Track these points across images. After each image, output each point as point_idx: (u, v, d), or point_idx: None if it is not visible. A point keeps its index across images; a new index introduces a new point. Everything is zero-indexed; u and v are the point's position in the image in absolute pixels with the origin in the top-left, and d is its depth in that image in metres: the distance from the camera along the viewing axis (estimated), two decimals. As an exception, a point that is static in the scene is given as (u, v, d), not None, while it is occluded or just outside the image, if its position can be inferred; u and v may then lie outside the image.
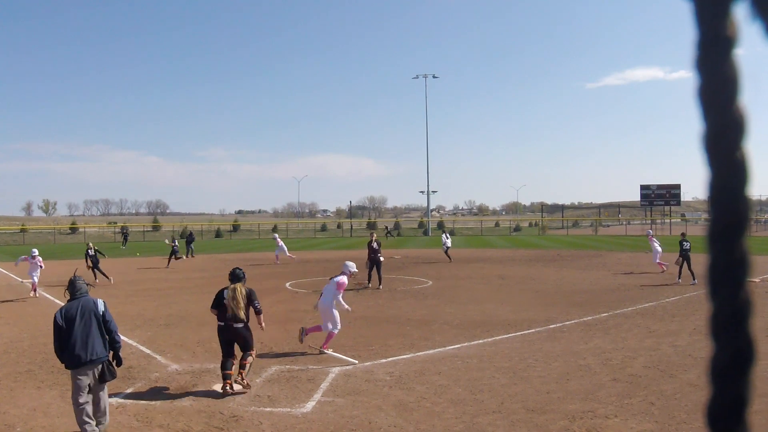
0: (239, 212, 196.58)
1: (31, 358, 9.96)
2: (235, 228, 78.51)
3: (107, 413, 6.56)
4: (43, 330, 11.70)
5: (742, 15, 0.47)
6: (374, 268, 18.91)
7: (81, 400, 6.23)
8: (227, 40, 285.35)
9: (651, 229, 28.46)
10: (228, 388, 7.76)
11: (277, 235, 32.32)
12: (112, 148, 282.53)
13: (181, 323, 13.00)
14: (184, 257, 31.50)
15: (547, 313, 13.49)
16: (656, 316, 13.00)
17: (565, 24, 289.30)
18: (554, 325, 12.05)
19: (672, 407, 6.94)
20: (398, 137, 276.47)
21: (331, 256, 33.40)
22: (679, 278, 18.81)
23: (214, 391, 7.95)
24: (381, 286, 18.55)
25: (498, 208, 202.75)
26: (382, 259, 19.20)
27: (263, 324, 8.43)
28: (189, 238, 36.23)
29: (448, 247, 28.81)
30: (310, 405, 7.32)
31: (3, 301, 16.70)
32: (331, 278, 10.48)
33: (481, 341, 10.72)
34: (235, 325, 7.97)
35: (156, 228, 75.11)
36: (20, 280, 21.92)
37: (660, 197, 61.69)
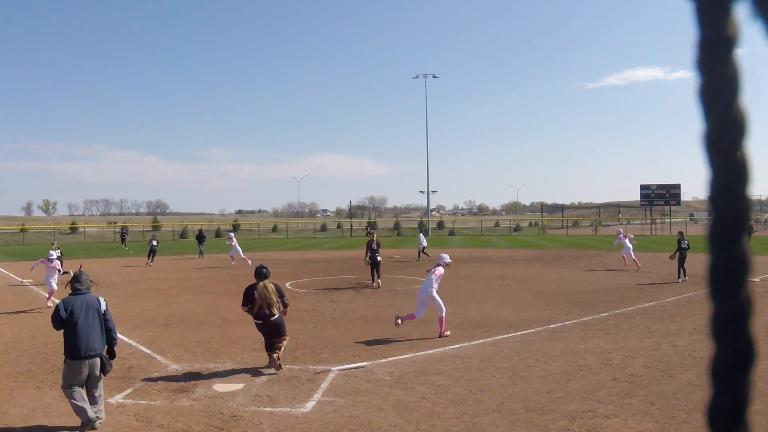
0: (239, 212, 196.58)
1: (31, 358, 9.96)
2: (235, 228, 78.46)
3: (103, 405, 6.87)
4: (44, 330, 11.71)
5: (742, 15, 0.47)
6: (373, 267, 19.37)
7: (73, 386, 6.59)
8: (227, 40, 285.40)
9: (622, 228, 29.10)
10: (276, 359, 8.68)
11: (232, 235, 30.72)
12: (112, 148, 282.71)
13: (181, 323, 13.00)
14: (150, 263, 29.08)
15: (547, 313, 13.49)
16: (656, 316, 13.00)
17: (565, 24, 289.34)
18: (554, 325, 12.05)
19: (672, 407, 6.94)
20: (398, 137, 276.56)
21: (331, 256, 33.40)
22: (679, 278, 18.81)
23: (214, 391, 7.95)
24: (377, 285, 18.96)
25: (498, 208, 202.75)
26: (380, 258, 19.51)
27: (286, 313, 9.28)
28: (200, 237, 34.70)
29: (424, 247, 29.26)
30: (310, 405, 7.32)
31: (16, 312, 16.49)
32: (429, 270, 11.62)
33: (481, 341, 10.72)
34: (272, 319, 8.88)
35: (156, 228, 75.03)
36: (20, 280, 21.90)
37: (660, 197, 61.67)
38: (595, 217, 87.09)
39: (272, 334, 8.92)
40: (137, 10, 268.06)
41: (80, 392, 6.61)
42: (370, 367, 9.08)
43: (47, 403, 7.52)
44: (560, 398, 7.39)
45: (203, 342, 10.96)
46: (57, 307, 6.84)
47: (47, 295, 15.76)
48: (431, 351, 10.05)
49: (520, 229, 78.58)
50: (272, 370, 8.86)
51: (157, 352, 10.21)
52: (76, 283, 7.04)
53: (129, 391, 8.03)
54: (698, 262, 18.67)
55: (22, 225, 76.10)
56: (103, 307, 6.92)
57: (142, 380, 8.52)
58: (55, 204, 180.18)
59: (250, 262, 26.53)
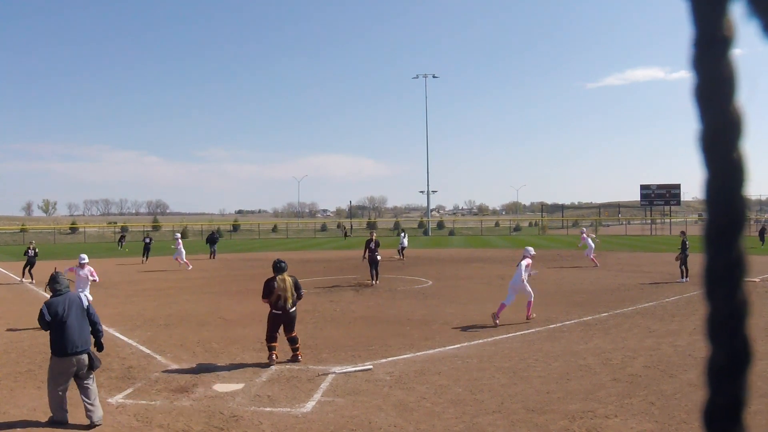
0: (239, 212, 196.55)
1: (31, 358, 9.96)
2: (235, 228, 78.52)
3: (98, 404, 6.89)
4: (44, 330, 11.70)
5: (738, 14, 0.46)
6: (372, 266, 19.83)
7: (59, 387, 6.74)
8: (227, 40, 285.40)
9: (585, 227, 31.44)
10: (275, 357, 9.14)
11: (179, 236, 28.90)
12: (112, 148, 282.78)
13: (181, 323, 13.00)
14: (144, 261, 29.81)
15: (547, 313, 13.48)
16: (656, 316, 13.00)
17: (565, 24, 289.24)
18: (554, 325, 12.05)
19: (672, 407, 6.94)
20: (398, 137, 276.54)
21: (331, 256, 33.40)
22: (682, 278, 18.81)
23: (214, 391, 7.95)
24: (377, 282, 19.52)
25: (498, 208, 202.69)
26: (379, 258, 19.97)
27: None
28: (212, 238, 33.44)
29: (403, 247, 29.64)
30: (310, 405, 7.32)
31: (16, 312, 16.62)
32: (518, 263, 13.05)
33: (481, 341, 10.72)
34: (291, 311, 9.35)
35: (156, 228, 75.04)
36: (20, 279, 21.90)
37: (660, 197, 61.67)
38: (595, 217, 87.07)
39: (287, 326, 9.33)
40: (137, 10, 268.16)
41: (64, 398, 6.77)
42: (369, 366, 9.07)
43: (47, 403, 7.51)
44: (560, 398, 7.38)
45: (203, 342, 10.96)
46: (41, 310, 6.96)
47: None
48: (431, 351, 10.05)
49: (520, 229, 78.60)
50: (272, 370, 8.86)
51: (157, 352, 10.21)
52: (54, 284, 7.15)
53: (129, 391, 8.03)
54: (698, 262, 18.67)
55: (22, 225, 76.13)
56: (86, 302, 7.15)
57: (142, 380, 8.52)
58: (55, 204, 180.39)
59: (191, 266, 26.12)
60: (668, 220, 67.35)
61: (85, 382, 6.87)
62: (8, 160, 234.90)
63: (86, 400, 6.77)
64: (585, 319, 12.75)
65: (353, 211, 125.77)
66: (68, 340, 6.80)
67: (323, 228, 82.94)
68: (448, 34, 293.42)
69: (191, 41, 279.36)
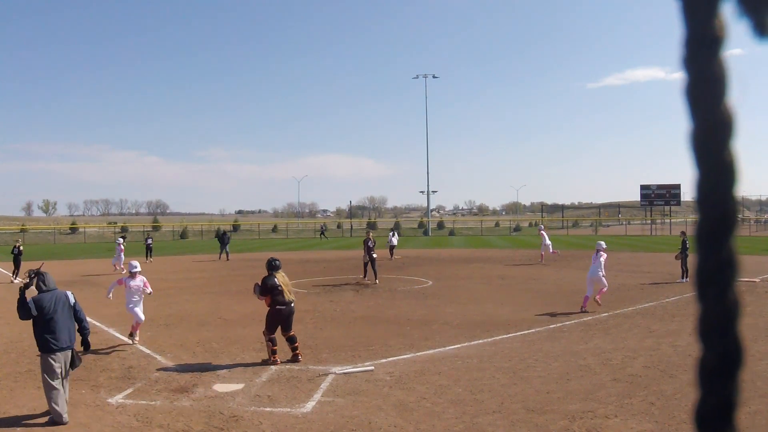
0: (239, 212, 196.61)
1: (31, 358, 9.95)
2: (235, 228, 78.54)
3: (67, 396, 7.11)
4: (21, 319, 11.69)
5: (729, 13, 0.46)
6: (369, 264, 20.20)
7: (54, 383, 6.86)
8: (227, 40, 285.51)
9: (543, 225, 32.71)
10: (278, 361, 9.23)
11: (121, 240, 27.37)
12: (112, 148, 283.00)
13: (181, 323, 13.00)
14: (148, 261, 29.59)
15: (547, 313, 13.49)
16: (656, 316, 12.99)
17: (565, 24, 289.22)
18: (554, 325, 12.05)
19: (672, 407, 6.93)
20: (398, 137, 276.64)
21: (331, 256, 33.40)
22: (683, 278, 18.81)
23: (214, 391, 7.95)
24: (378, 281, 19.73)
25: (498, 208, 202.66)
26: (375, 256, 20.34)
27: None
28: (222, 238, 32.14)
29: (393, 246, 29.91)
30: (310, 405, 7.32)
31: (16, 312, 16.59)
32: (595, 257, 14.35)
33: (481, 341, 10.72)
34: (292, 305, 9.59)
35: (156, 228, 75.05)
36: (20, 280, 21.89)
37: (660, 197, 61.62)
38: (595, 218, 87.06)
39: (288, 321, 9.49)
40: (137, 10, 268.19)
41: (62, 395, 6.89)
42: (370, 367, 9.07)
43: (47, 403, 7.51)
44: (560, 398, 7.38)
45: (203, 342, 10.96)
46: (27, 303, 7.06)
47: (130, 332, 11.19)
48: (431, 351, 10.05)
49: (520, 229, 78.58)
50: (272, 370, 8.86)
51: (157, 352, 10.21)
52: (41, 283, 7.25)
53: (129, 391, 8.03)
54: (691, 262, 18.66)
55: (22, 225, 76.16)
56: (72, 300, 7.28)
57: (142, 380, 8.52)
58: (55, 204, 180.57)
59: (125, 271, 23.87)
60: (668, 221, 67.34)
61: (63, 379, 7.03)
62: (8, 160, 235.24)
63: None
64: (585, 319, 12.75)
65: (353, 211, 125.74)
66: (54, 336, 6.95)
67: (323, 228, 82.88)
68: (448, 34, 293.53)
69: (191, 41, 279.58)
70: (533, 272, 23.02)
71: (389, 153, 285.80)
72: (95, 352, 10.35)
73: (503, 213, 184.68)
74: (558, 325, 12.11)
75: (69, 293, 7.40)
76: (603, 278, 14.16)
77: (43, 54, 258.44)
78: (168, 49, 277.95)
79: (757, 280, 18.40)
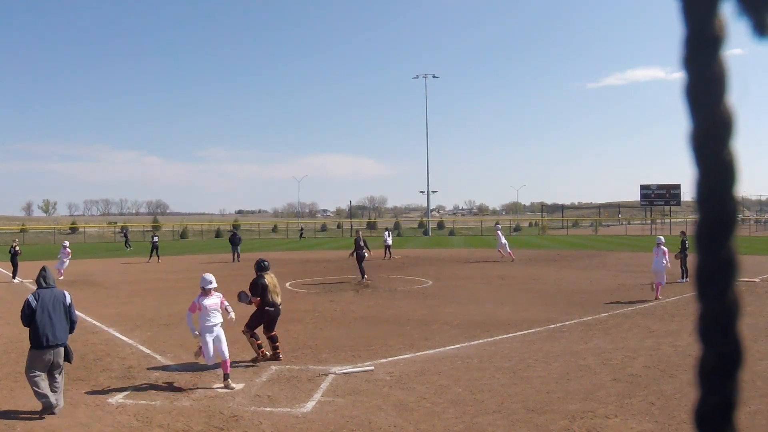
0: (239, 212, 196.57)
1: (30, 358, 9.96)
2: (235, 228, 78.52)
3: (62, 395, 7.33)
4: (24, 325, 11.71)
5: (729, 13, 0.46)
6: (357, 263, 20.86)
7: (35, 374, 7.10)
8: (227, 40, 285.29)
9: (499, 223, 34.96)
10: (267, 354, 9.31)
11: (66, 243, 24.82)
12: (112, 148, 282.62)
13: (181, 323, 12.97)
14: (158, 260, 30.04)
15: (547, 313, 13.49)
16: (656, 316, 13.00)
17: (565, 24, 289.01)
18: (554, 325, 12.05)
19: (672, 407, 6.94)
20: (398, 137, 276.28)
21: (331, 256, 33.39)
22: (683, 278, 18.79)
23: (215, 391, 7.95)
24: (365, 279, 20.34)
25: (498, 208, 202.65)
26: (366, 255, 20.98)
27: None
28: (233, 239, 30.72)
29: (388, 245, 30.17)
30: (310, 405, 7.32)
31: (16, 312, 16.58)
32: (656, 251, 15.48)
33: (481, 341, 10.72)
34: (280, 308, 9.70)
35: (156, 228, 75.05)
36: (20, 280, 21.89)
37: (660, 197, 61.64)
38: (595, 218, 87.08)
39: (273, 322, 9.52)
40: (137, 10, 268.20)
41: (44, 379, 7.14)
42: (370, 367, 9.08)
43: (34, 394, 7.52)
44: (560, 398, 7.38)
45: (203, 342, 10.96)
46: (27, 300, 7.36)
47: (198, 349, 8.70)
48: (431, 351, 10.05)
49: (520, 229, 78.58)
50: (272, 370, 8.86)
51: (157, 352, 10.21)
52: (42, 279, 7.57)
53: (129, 391, 8.03)
54: (691, 262, 18.68)
55: (22, 225, 76.18)
56: (68, 300, 7.52)
57: (142, 380, 8.52)
58: (55, 204, 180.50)
59: (62, 277, 22.21)
60: (668, 220, 67.32)
61: (55, 374, 7.28)
62: (8, 160, 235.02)
63: (52, 390, 7.17)
64: (585, 319, 12.75)
65: (353, 211, 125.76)
66: (48, 333, 7.18)
67: (323, 228, 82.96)
68: (448, 34, 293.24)
69: (191, 41, 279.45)
70: (533, 272, 23.03)
71: (389, 153, 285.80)
72: (95, 352, 10.36)
73: (503, 213, 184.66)
74: (558, 325, 12.11)
75: (66, 293, 7.63)
76: (663, 273, 15.31)
77: (43, 54, 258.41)
78: (168, 49, 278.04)
79: (757, 280, 18.40)
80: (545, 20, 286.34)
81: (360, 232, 22.29)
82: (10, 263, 23.13)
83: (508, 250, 28.32)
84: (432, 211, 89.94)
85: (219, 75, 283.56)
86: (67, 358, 7.39)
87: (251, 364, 9.30)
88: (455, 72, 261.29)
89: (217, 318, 8.37)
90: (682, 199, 65.35)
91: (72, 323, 7.52)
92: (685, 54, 0.46)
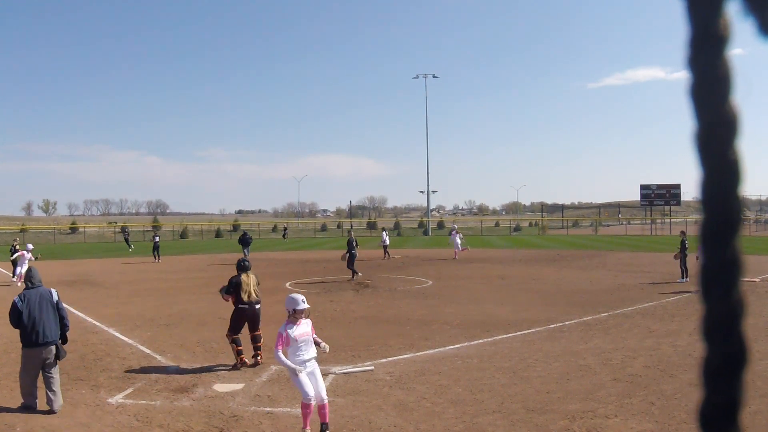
0: (239, 212, 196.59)
1: (30, 358, 9.96)
2: (235, 228, 78.44)
3: (59, 392, 7.40)
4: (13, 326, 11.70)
5: (734, 13, 0.46)
6: (348, 262, 21.29)
7: (29, 376, 7.25)
8: (227, 40, 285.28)
9: (456, 226, 35.77)
10: (246, 362, 9.14)
11: (30, 246, 22.57)
12: (112, 148, 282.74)
13: (181, 323, 12.99)
14: (157, 260, 30.21)
15: (547, 313, 13.49)
16: (656, 316, 13.00)
17: (565, 24, 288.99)
18: (554, 325, 12.05)
19: (672, 407, 6.94)
20: (398, 137, 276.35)
21: (331, 256, 33.37)
22: (683, 278, 18.79)
23: (215, 391, 7.95)
24: (355, 277, 20.80)
25: (498, 208, 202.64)
26: (356, 254, 21.58)
27: None
28: (244, 239, 29.65)
29: (386, 245, 30.42)
30: (309, 405, 7.31)
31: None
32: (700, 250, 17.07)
33: (481, 341, 10.72)
34: (257, 306, 9.51)
35: (156, 228, 75.03)
36: (12, 279, 21.88)
37: (660, 197, 61.63)
38: (595, 217, 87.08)
39: (253, 322, 9.45)
40: (137, 10, 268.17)
41: (34, 385, 7.31)
42: (370, 367, 9.07)
43: (46, 402, 7.51)
44: (560, 398, 7.38)
45: (203, 342, 10.96)
46: (14, 302, 7.49)
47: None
48: (431, 351, 10.05)
49: (520, 229, 78.56)
50: (272, 370, 8.85)
51: (157, 352, 10.21)
52: (28, 281, 7.74)
53: (129, 391, 8.03)
54: (693, 262, 18.70)
55: (22, 225, 76.14)
56: (56, 297, 7.61)
57: (142, 380, 8.52)
58: (55, 204, 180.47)
59: (20, 284, 18.41)
60: (668, 220, 67.29)
61: (50, 372, 7.37)
62: (8, 160, 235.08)
63: (48, 389, 7.27)
64: (585, 319, 12.75)
65: (353, 211, 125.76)
66: (38, 331, 7.31)
67: (323, 228, 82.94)
68: (448, 34, 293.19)
69: (191, 41, 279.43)
70: (533, 272, 23.03)
71: (389, 153, 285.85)
72: (95, 352, 10.36)
73: (503, 213, 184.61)
74: (558, 325, 12.10)
75: (53, 290, 7.73)
76: None
77: (43, 54, 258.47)
78: (168, 49, 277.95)
79: (757, 279, 18.42)
80: (545, 20, 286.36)
81: (352, 233, 22.45)
82: (10, 263, 23.11)
83: (461, 249, 30.25)
84: (432, 211, 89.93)
85: (219, 75, 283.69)
86: (58, 356, 7.50)
87: (232, 369, 9.12)
88: (455, 72, 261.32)
89: (310, 351, 6.59)
90: (682, 199, 65.36)
91: (62, 319, 7.61)
92: (690, 54, 0.46)
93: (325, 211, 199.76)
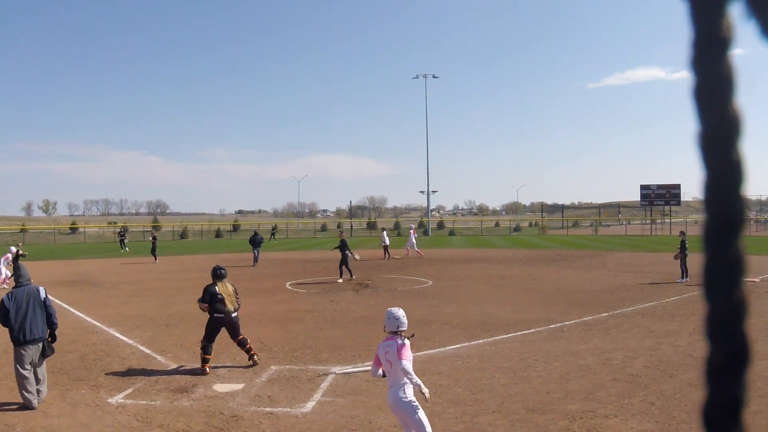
0: (239, 212, 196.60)
1: (31, 358, 9.95)
2: (235, 228, 78.47)
3: (46, 384, 7.67)
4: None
5: (737, 14, 0.47)
6: (342, 262, 21.19)
7: (24, 372, 7.32)
8: (227, 40, 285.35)
9: (413, 226, 38.21)
10: (207, 370, 8.84)
11: (13, 249, 22.26)
12: (112, 148, 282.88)
13: (181, 323, 12.99)
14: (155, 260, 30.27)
15: (547, 313, 13.49)
16: (656, 316, 13.00)
17: (566, 24, 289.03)
18: (554, 325, 12.05)
19: (672, 407, 6.94)
20: (398, 137, 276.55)
21: (331, 256, 33.37)
22: (683, 278, 18.80)
23: (215, 391, 7.95)
24: (342, 279, 20.63)
25: (498, 208, 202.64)
26: (349, 254, 21.37)
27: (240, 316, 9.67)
28: (255, 240, 28.45)
29: (386, 245, 30.55)
30: (310, 405, 7.32)
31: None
32: None
33: (481, 341, 10.72)
34: (233, 315, 9.26)
35: (156, 228, 75.05)
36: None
37: (660, 197, 61.63)
38: (595, 218, 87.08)
39: (231, 331, 9.26)
40: (137, 10, 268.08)
41: (32, 382, 7.39)
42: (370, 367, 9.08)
43: (47, 403, 7.52)
44: (560, 398, 7.39)
45: (203, 342, 10.95)
46: (2, 300, 7.60)
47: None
48: (431, 351, 10.05)
49: (520, 229, 78.57)
50: (272, 370, 8.85)
51: (157, 352, 10.21)
52: (18, 277, 7.90)
53: (129, 391, 8.03)
54: (698, 262, 18.69)
55: (22, 225, 76.13)
56: (43, 295, 7.72)
57: (142, 380, 8.52)
58: (55, 204, 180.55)
59: (5, 285, 19.53)
60: (668, 220, 67.30)
61: (38, 367, 7.53)
62: (8, 160, 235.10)
63: (37, 386, 7.46)
64: (585, 319, 12.75)
65: (353, 211, 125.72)
66: (25, 329, 7.42)
67: (323, 228, 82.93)
68: (448, 34, 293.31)
69: (191, 41, 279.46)
70: (533, 272, 23.03)
71: (389, 153, 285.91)
72: (95, 352, 10.36)
73: (503, 213, 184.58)
74: (558, 325, 12.11)
75: (41, 288, 7.83)
76: None
77: (43, 54, 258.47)
78: (168, 48, 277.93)
79: (757, 280, 18.42)
80: (545, 20, 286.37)
81: (343, 234, 22.51)
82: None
83: (416, 249, 31.21)
84: (432, 211, 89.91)
85: (219, 75, 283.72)
86: (44, 353, 7.62)
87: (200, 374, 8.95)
88: (455, 72, 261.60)
89: (412, 380, 5.91)
90: (682, 199, 65.33)
91: (49, 317, 7.69)
92: (693, 55, 0.47)
93: (325, 211, 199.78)
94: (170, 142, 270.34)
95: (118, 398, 7.69)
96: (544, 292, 17.16)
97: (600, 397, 7.37)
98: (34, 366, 7.51)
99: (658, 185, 61.85)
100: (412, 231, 33.72)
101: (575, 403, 7.17)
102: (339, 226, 77.43)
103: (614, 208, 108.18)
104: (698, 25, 0.46)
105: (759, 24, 0.45)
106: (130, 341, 11.12)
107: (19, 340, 7.43)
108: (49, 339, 7.78)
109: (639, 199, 64.15)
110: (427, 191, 73.00)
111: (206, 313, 9.31)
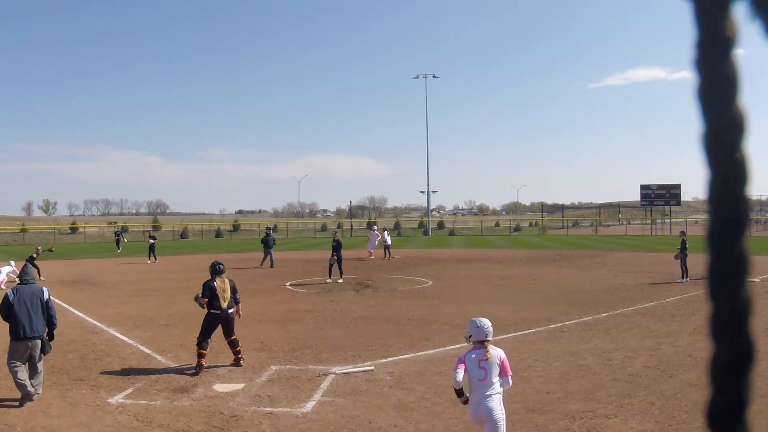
0: (239, 212, 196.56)
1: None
2: (235, 228, 78.50)
3: (40, 388, 7.76)
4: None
5: (741, 15, 0.47)
6: (336, 263, 21.16)
7: (15, 364, 7.51)
8: (227, 40, 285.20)
9: (376, 227, 36.48)
10: (203, 364, 8.90)
11: (12, 264, 20.94)
12: (112, 148, 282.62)
13: (181, 323, 12.99)
14: (154, 260, 30.09)
15: (547, 313, 13.49)
16: (656, 316, 13.00)
17: (566, 24, 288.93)
18: (554, 325, 12.05)
19: (672, 407, 6.94)
20: (398, 137, 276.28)
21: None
22: (683, 278, 18.80)
23: (215, 391, 7.95)
24: (341, 279, 20.54)
25: (498, 208, 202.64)
26: (335, 257, 21.27)
27: (241, 313, 9.80)
28: (266, 240, 27.47)
29: (387, 245, 30.69)
30: (310, 405, 7.32)
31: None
32: None
33: (481, 341, 10.71)
34: (229, 311, 9.32)
35: (156, 228, 75.08)
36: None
37: (660, 197, 61.64)
38: (595, 217, 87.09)
39: (226, 328, 9.30)
40: (137, 10, 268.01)
41: (22, 369, 7.53)
42: (370, 367, 9.08)
43: (48, 403, 7.52)
44: (560, 398, 7.39)
45: (203, 342, 10.95)
46: (6, 295, 7.82)
47: None
48: (431, 351, 10.05)
49: (520, 229, 78.56)
50: (272, 370, 8.85)
51: (157, 352, 10.21)
52: (23, 275, 8.14)
53: (129, 391, 8.03)
54: (698, 262, 18.68)
55: (22, 225, 76.08)
56: (46, 296, 7.92)
57: (142, 380, 8.52)
58: (55, 204, 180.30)
59: (2, 286, 19.16)
60: (668, 220, 67.31)
61: (34, 365, 7.71)
62: (8, 160, 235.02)
63: (32, 380, 7.60)
64: (585, 319, 12.75)
65: (353, 211, 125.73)
66: (25, 325, 7.60)
67: (323, 228, 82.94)
68: (448, 34, 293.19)
69: (191, 41, 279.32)
70: (533, 272, 23.03)
71: (389, 153, 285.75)
72: (95, 352, 10.36)
73: (503, 213, 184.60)
74: (558, 325, 12.11)
75: (45, 289, 8.05)
76: None
77: (43, 54, 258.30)
78: (168, 48, 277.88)
79: (757, 280, 18.42)
80: (545, 20, 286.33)
81: (337, 234, 22.45)
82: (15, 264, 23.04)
83: (371, 249, 30.74)
84: (432, 211, 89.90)
85: (219, 75, 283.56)
86: (43, 350, 7.78)
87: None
88: (455, 72, 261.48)
89: (493, 388, 5.67)
90: (682, 199, 65.37)
91: (50, 317, 7.88)
92: (697, 55, 0.47)
93: (325, 211, 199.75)
94: (170, 142, 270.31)
95: (118, 398, 7.69)
96: (544, 292, 17.16)
97: (600, 397, 7.38)
98: (33, 361, 7.67)
99: (658, 185, 61.86)
100: (375, 231, 32.16)
101: (575, 403, 7.17)
102: (339, 227, 77.55)
103: (614, 208, 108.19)
104: (702, 25, 0.46)
105: (763, 24, 0.45)
106: (130, 341, 11.12)
107: (18, 335, 7.59)
108: (48, 338, 7.91)
109: (639, 199, 64.16)
110: (427, 191, 73.01)
111: (205, 309, 9.33)
